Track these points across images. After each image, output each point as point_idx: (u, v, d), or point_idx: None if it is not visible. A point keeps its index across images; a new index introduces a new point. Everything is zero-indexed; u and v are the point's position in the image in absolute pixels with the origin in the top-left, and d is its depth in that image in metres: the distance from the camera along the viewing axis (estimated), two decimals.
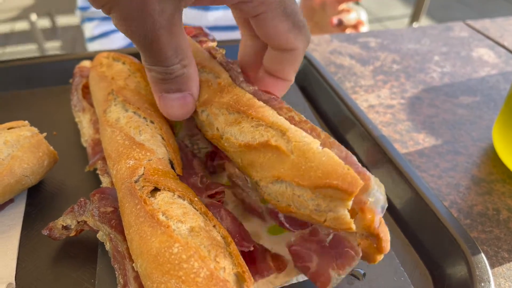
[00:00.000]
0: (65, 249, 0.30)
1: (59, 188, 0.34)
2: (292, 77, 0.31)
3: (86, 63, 0.43)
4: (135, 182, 0.26)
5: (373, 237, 0.23)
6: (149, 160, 0.28)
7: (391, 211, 0.34)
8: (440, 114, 0.46)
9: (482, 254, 0.28)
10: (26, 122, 0.34)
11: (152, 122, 0.31)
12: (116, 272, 0.26)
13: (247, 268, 0.23)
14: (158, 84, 0.28)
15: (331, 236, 0.25)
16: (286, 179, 0.23)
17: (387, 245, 0.23)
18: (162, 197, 0.25)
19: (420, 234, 0.31)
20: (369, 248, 0.23)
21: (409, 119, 0.45)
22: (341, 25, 0.60)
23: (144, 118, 0.31)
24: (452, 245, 0.29)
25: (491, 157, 0.40)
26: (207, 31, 0.36)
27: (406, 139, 0.42)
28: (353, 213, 0.23)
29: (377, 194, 0.22)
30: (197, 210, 0.25)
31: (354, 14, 0.64)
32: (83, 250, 0.30)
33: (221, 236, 0.24)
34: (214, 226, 0.24)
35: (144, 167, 0.27)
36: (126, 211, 0.25)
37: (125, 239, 0.26)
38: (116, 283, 0.26)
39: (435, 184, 0.37)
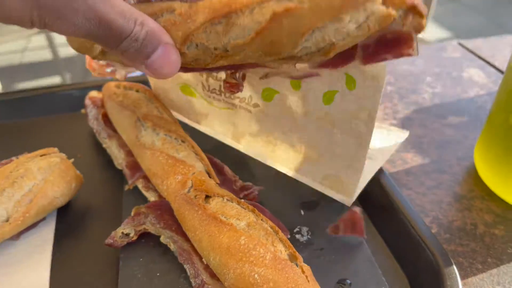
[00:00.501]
0: (90, 262, 0.34)
1: (85, 207, 0.39)
2: None
3: (94, 93, 0.48)
4: (188, 192, 0.33)
5: (410, 9, 0.23)
6: (193, 174, 0.34)
7: (378, 227, 0.38)
8: (428, 134, 0.50)
9: (454, 266, 0.32)
10: (56, 149, 0.39)
11: (183, 141, 0.37)
12: (185, 266, 0.32)
13: (294, 249, 0.29)
14: (135, 57, 0.26)
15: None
16: (317, 25, 0.24)
17: (423, 7, 0.23)
18: (215, 202, 0.32)
19: (402, 249, 0.35)
20: (412, 21, 0.23)
21: None
22: None
23: (175, 139, 0.37)
24: (429, 258, 0.33)
25: (473, 175, 0.44)
26: None
27: (395, 159, 0.46)
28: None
29: None
30: (245, 209, 0.31)
31: None
32: (107, 262, 0.34)
33: (269, 227, 0.30)
34: (261, 219, 0.31)
35: (191, 180, 0.33)
36: (187, 217, 0.31)
37: (187, 239, 0.32)
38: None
39: (420, 201, 0.41)
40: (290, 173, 0.41)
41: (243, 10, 0.25)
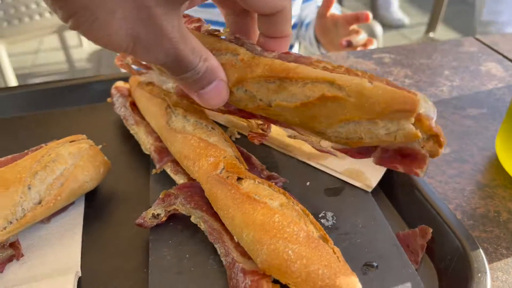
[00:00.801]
0: (120, 245, 0.35)
1: (112, 191, 0.40)
2: (290, 31, 0.32)
3: (120, 83, 0.49)
4: (220, 173, 0.33)
5: (433, 136, 0.27)
6: (224, 157, 0.35)
7: (403, 214, 0.38)
8: (448, 125, 0.50)
9: (480, 250, 0.32)
10: (84, 136, 0.40)
11: (213, 128, 0.38)
12: (216, 245, 0.32)
13: (325, 232, 0.30)
14: (191, 86, 0.30)
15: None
16: (354, 119, 0.28)
17: (444, 139, 0.27)
18: (248, 183, 0.32)
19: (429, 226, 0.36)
20: (431, 147, 0.28)
21: None
22: (350, 46, 0.65)
23: (205, 125, 0.38)
24: (454, 242, 0.33)
25: (495, 164, 0.44)
26: (192, 15, 0.38)
27: None
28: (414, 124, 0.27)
29: (426, 105, 0.27)
30: (277, 192, 0.32)
31: (363, 35, 0.69)
32: (136, 245, 0.35)
33: (300, 209, 0.31)
34: (292, 202, 0.31)
35: (223, 162, 0.34)
36: (219, 197, 0.32)
37: (217, 219, 0.33)
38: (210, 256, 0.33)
39: (442, 189, 0.41)
40: (312, 163, 0.42)
41: (298, 81, 0.29)
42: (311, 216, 0.31)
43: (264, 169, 0.39)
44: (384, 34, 3.12)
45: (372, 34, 1.07)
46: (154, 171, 0.40)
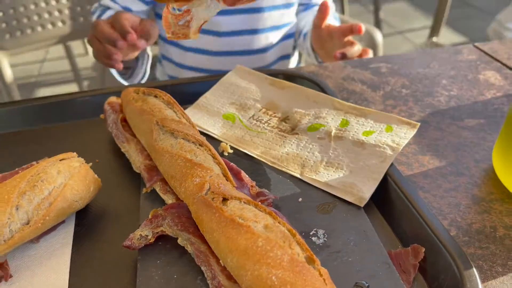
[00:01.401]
0: (109, 264, 0.35)
1: (103, 210, 0.40)
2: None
3: (113, 99, 0.49)
4: (205, 195, 0.33)
5: None
6: (210, 177, 0.35)
7: (396, 230, 0.37)
8: (445, 137, 0.49)
9: (474, 269, 0.31)
10: (75, 153, 0.40)
11: (200, 145, 0.38)
12: (202, 268, 0.32)
13: (312, 252, 0.29)
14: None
15: None
16: None
17: None
18: (233, 205, 0.32)
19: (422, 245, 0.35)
20: None
21: (415, 142, 0.48)
22: (344, 58, 0.64)
23: (193, 142, 0.38)
24: (447, 261, 0.32)
25: (492, 177, 0.43)
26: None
27: (412, 161, 0.46)
28: None
29: None
30: (263, 212, 0.32)
31: (358, 47, 0.68)
32: (125, 265, 0.35)
33: (286, 230, 0.30)
34: (279, 222, 0.31)
35: (209, 183, 0.34)
36: (204, 219, 0.32)
37: (204, 241, 0.32)
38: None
39: (437, 203, 0.41)
40: (304, 178, 0.41)
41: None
42: (298, 236, 0.30)
43: (254, 185, 0.39)
44: (388, 38, 3.10)
45: (372, 41, 1.07)
46: (144, 190, 0.40)
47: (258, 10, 0.80)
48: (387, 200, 0.39)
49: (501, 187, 0.42)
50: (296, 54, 0.96)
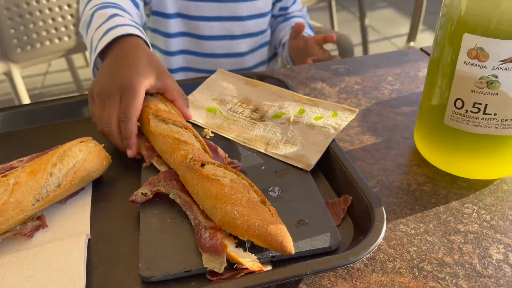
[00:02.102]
0: (118, 217, 0.47)
1: (113, 179, 0.52)
2: None
3: None
4: (189, 162, 0.45)
5: None
6: (192, 150, 0.47)
7: (334, 186, 0.50)
8: (383, 121, 0.62)
9: (382, 208, 0.43)
10: (91, 137, 0.52)
11: (186, 128, 0.50)
12: (187, 213, 0.44)
13: (264, 197, 0.42)
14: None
15: None
16: None
17: None
18: (209, 167, 0.45)
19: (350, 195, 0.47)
20: None
21: (359, 126, 0.61)
22: (316, 62, 0.77)
23: (180, 127, 0.51)
24: (366, 205, 0.44)
25: (414, 149, 0.56)
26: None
27: (354, 140, 0.58)
28: None
29: None
30: (230, 171, 0.44)
31: (327, 54, 0.82)
32: (130, 217, 0.47)
33: (247, 182, 0.43)
34: (242, 178, 0.43)
35: (191, 154, 0.47)
36: (188, 179, 0.45)
37: (188, 195, 0.45)
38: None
39: (369, 169, 0.53)
40: (269, 153, 0.54)
41: None
42: (255, 187, 0.43)
43: (227, 157, 0.51)
44: (375, 43, 3.22)
45: (347, 45, 1.19)
46: (144, 164, 0.52)
47: (237, 18, 0.93)
48: (328, 166, 0.51)
49: (419, 155, 0.54)
50: (273, 61, 1.09)
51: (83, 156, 0.49)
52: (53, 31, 1.30)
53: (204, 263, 0.39)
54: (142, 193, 0.46)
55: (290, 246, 0.39)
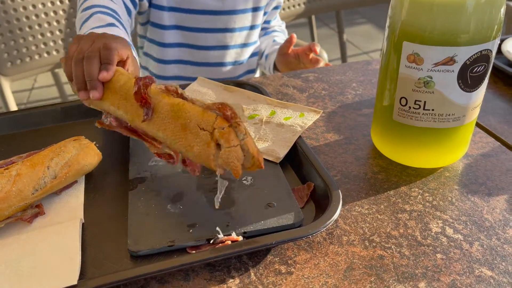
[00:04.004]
0: (108, 202, 0.53)
1: (103, 174, 0.58)
2: None
3: None
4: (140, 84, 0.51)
5: None
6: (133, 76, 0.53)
7: (299, 175, 0.57)
8: (346, 121, 0.69)
9: (339, 191, 0.50)
10: (83, 136, 0.58)
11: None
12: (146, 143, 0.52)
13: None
14: None
15: None
16: None
17: None
18: (153, 88, 0.51)
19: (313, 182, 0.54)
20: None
21: (324, 125, 0.68)
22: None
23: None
24: (325, 190, 0.51)
25: (371, 144, 0.63)
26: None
27: (320, 137, 0.65)
28: None
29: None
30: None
31: (322, 63, 0.91)
32: (118, 204, 0.53)
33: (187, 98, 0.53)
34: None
35: (134, 79, 0.52)
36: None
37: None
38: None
39: (331, 161, 0.60)
40: None
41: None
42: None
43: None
44: (354, 57, 3.32)
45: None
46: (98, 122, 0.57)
47: (229, 30, 1.01)
48: (295, 158, 0.58)
49: (375, 150, 0.62)
50: (258, 70, 1.17)
51: (76, 152, 0.55)
52: (42, 46, 1.36)
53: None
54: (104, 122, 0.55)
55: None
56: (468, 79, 0.50)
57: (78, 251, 0.45)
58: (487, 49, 0.49)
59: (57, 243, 0.46)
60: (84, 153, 0.56)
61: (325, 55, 1.27)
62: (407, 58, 0.51)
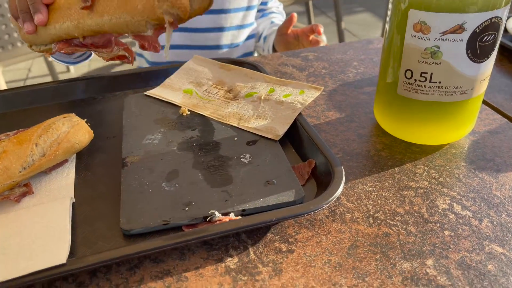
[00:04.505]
0: (100, 181, 0.51)
1: (94, 152, 0.56)
2: None
3: None
4: None
5: None
6: None
7: (300, 154, 0.54)
8: (347, 99, 0.67)
9: (342, 167, 0.48)
10: (73, 114, 0.56)
11: None
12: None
13: None
14: None
15: None
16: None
17: None
18: None
19: (315, 159, 0.52)
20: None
21: (325, 104, 0.66)
22: None
23: None
24: (327, 166, 0.49)
25: (374, 122, 0.61)
26: None
27: (320, 115, 0.63)
28: None
29: None
30: None
31: (323, 43, 0.88)
32: (111, 181, 0.50)
33: None
34: None
35: None
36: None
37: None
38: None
39: (333, 139, 0.58)
40: (241, 127, 0.58)
41: None
42: None
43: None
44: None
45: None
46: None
47: (224, 11, 0.98)
48: (295, 135, 0.56)
49: (378, 127, 0.60)
50: (255, 53, 1.15)
51: (66, 129, 0.53)
52: None
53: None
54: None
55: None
56: (477, 49, 0.48)
57: (68, 230, 0.43)
58: (497, 17, 0.46)
59: (45, 222, 0.44)
60: (74, 131, 0.53)
61: (324, 38, 1.25)
62: (413, 27, 0.48)
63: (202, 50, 1.02)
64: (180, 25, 0.99)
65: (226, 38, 1.02)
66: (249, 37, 1.07)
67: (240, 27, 1.03)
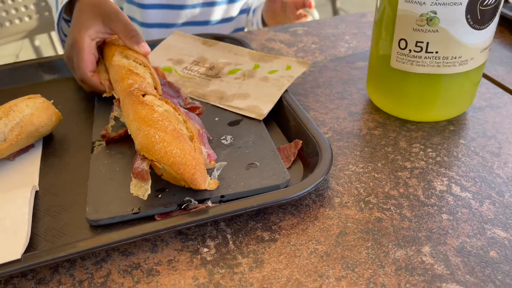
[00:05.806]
0: (68, 168, 0.46)
1: (63, 136, 0.51)
2: None
3: None
4: (133, 90, 0.45)
5: None
6: (141, 82, 0.47)
7: (286, 134, 0.50)
8: (338, 75, 0.62)
9: (330, 146, 0.44)
10: (39, 95, 0.51)
11: (144, 66, 0.51)
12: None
13: (196, 137, 0.42)
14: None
15: None
16: None
17: None
18: (149, 97, 0.44)
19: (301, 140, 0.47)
20: None
21: (314, 80, 0.61)
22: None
23: (139, 64, 0.51)
24: (315, 147, 0.45)
25: (367, 98, 0.57)
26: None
27: (309, 93, 0.59)
28: None
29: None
30: (168, 104, 0.44)
31: (310, 19, 0.82)
32: (79, 169, 0.46)
33: (181, 118, 0.42)
34: (179, 114, 0.43)
35: (138, 84, 0.46)
36: (125, 104, 0.45)
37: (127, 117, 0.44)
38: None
39: (322, 118, 0.54)
40: (222, 106, 0.54)
41: None
42: (189, 124, 0.43)
43: (187, 97, 0.52)
44: None
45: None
46: (104, 94, 0.54)
47: None
48: (281, 115, 0.52)
49: (371, 104, 0.55)
50: (246, 29, 1.09)
51: (30, 111, 0.48)
52: (13, 11, 1.26)
53: (131, 189, 0.39)
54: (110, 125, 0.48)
55: (202, 181, 0.39)
56: (477, 14, 0.43)
57: (26, 222, 0.38)
58: None
59: (3, 213, 0.40)
60: (39, 113, 0.49)
61: (316, 14, 1.19)
62: None
63: (191, 27, 0.96)
64: (165, 3, 0.94)
65: (216, 13, 0.96)
66: (241, 12, 1.02)
67: (231, 0, 0.98)
